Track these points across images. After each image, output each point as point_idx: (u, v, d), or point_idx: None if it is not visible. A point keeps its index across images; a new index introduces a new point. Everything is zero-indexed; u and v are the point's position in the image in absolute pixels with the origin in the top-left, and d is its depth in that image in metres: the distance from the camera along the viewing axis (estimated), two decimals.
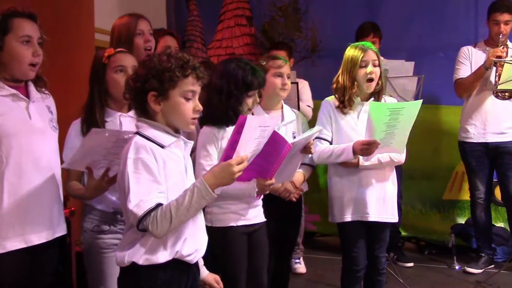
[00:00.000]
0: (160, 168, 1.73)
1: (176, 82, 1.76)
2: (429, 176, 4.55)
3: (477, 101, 3.97)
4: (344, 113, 2.86)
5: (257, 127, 1.93)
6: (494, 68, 3.72)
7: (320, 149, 2.87)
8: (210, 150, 2.42)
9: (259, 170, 2.27)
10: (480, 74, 3.85)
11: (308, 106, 4.01)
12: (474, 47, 4.03)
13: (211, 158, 2.41)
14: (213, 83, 2.44)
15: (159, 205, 1.69)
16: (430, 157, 4.49)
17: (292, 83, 3.09)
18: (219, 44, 5.26)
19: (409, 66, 3.80)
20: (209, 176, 1.76)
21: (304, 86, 4.10)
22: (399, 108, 2.57)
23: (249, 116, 1.85)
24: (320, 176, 4.62)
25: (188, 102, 1.79)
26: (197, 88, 1.82)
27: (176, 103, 1.77)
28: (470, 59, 3.98)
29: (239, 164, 1.79)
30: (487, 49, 3.94)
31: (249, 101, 2.47)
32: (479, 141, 3.96)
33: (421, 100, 2.60)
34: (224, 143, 2.40)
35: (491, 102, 3.92)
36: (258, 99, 2.53)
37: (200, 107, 1.82)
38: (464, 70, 3.99)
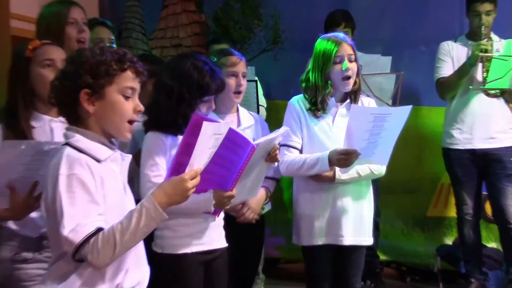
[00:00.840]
0: (98, 186, 1.72)
1: (113, 77, 1.77)
2: (411, 189, 4.55)
3: (462, 102, 3.98)
4: (317, 117, 2.87)
5: (212, 136, 1.94)
6: (480, 64, 3.75)
7: (289, 158, 2.85)
8: (157, 158, 2.40)
9: (216, 181, 2.26)
10: (465, 71, 3.87)
11: (261, 105, 3.98)
12: (455, 41, 4.07)
13: (158, 168, 2.39)
14: (162, 82, 2.45)
15: (99, 229, 1.68)
16: (411, 168, 4.49)
17: (249, 81, 3.08)
18: (162, 34, 5.16)
19: (386, 61, 3.83)
20: (159, 193, 1.76)
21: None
22: (385, 114, 2.58)
23: (205, 123, 1.87)
24: (284, 191, 4.54)
25: (127, 101, 1.80)
26: (137, 85, 1.83)
27: (113, 101, 1.78)
28: (452, 56, 4.01)
29: (193, 178, 1.80)
30: (469, 43, 3.98)
31: (203, 107, 2.47)
32: (466, 147, 3.97)
33: (411, 106, 2.61)
34: (173, 150, 2.36)
35: (477, 103, 3.94)
36: (213, 106, 2.53)
37: (141, 107, 1.83)
38: (445, 68, 4.01)
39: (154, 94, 2.49)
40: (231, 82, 2.85)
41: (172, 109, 2.42)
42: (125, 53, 1.82)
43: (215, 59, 2.86)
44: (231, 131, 2.10)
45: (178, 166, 1.89)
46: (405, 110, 2.61)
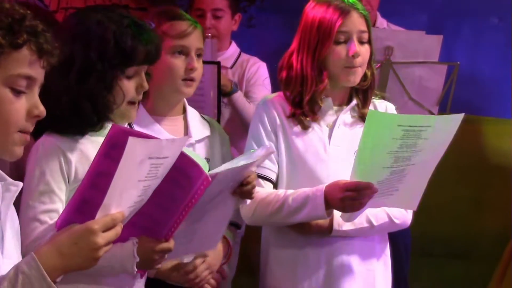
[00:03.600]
0: None
1: None
2: (462, 252, 4.61)
3: None
4: (304, 128, 2.89)
5: (145, 160, 1.90)
6: None
7: (259, 196, 2.86)
8: (51, 181, 2.43)
9: (143, 224, 2.27)
10: None
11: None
12: None
13: (52, 199, 2.43)
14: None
15: None
16: (465, 218, 4.58)
17: (206, 62, 3.16)
18: None
19: (434, 43, 3.85)
20: (49, 252, 1.77)
21: (258, 72, 4.26)
22: (422, 126, 2.55)
23: (131, 138, 1.82)
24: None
25: (19, 99, 1.78)
26: (38, 74, 1.82)
27: None
28: None
29: (108, 229, 1.81)
30: None
31: (129, 85, 2.48)
32: None
33: (462, 114, 2.56)
34: (81, 168, 2.43)
35: None
36: (146, 84, 2.52)
37: (42, 111, 1.82)
38: None
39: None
40: (178, 63, 2.88)
41: (74, 89, 2.42)
42: (23, 16, 1.78)
43: (153, 24, 2.88)
44: (181, 156, 2.13)
45: (83, 204, 1.90)
46: (454, 121, 2.59)
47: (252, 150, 2.68)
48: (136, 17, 2.64)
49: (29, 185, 2.44)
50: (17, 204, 2.24)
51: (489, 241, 4.55)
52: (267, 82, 4.29)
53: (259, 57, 4.34)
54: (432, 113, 3.79)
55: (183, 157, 2.18)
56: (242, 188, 2.60)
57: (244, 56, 4.31)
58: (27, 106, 1.80)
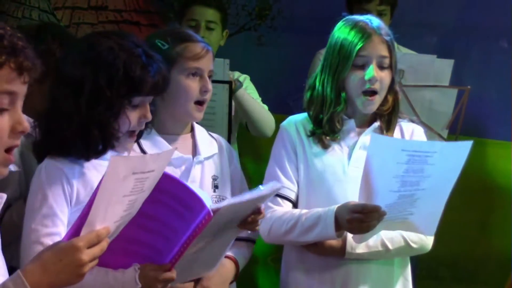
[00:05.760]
0: None
1: None
2: (468, 275, 4.61)
3: None
4: (325, 146, 2.93)
5: (129, 176, 1.92)
6: None
7: (276, 214, 2.91)
8: (54, 205, 2.44)
9: (146, 252, 2.31)
10: None
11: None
12: None
13: (55, 223, 2.44)
14: (66, 72, 2.48)
15: None
16: (470, 240, 4.58)
17: (216, 82, 3.17)
18: None
19: (445, 67, 3.88)
20: (35, 269, 1.78)
21: (245, 83, 4.23)
22: (426, 152, 2.58)
23: (114, 158, 1.88)
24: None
25: (1, 116, 1.77)
26: (20, 89, 1.79)
27: None
28: None
29: (92, 245, 1.82)
30: None
31: (133, 115, 2.52)
32: None
33: (471, 142, 2.58)
34: (83, 191, 2.48)
35: None
36: (149, 115, 2.56)
37: (25, 126, 1.80)
38: None
39: (51, 92, 2.51)
40: (193, 84, 2.87)
41: (82, 114, 2.43)
42: (1, 35, 1.76)
43: (166, 45, 2.87)
44: (179, 185, 2.15)
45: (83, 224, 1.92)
46: (463, 148, 2.60)
47: (261, 187, 2.66)
48: (148, 44, 2.68)
49: (32, 208, 2.47)
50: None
51: (495, 264, 4.52)
52: (253, 88, 4.29)
53: (268, 76, 4.41)
54: (441, 137, 3.82)
55: (186, 190, 2.22)
56: (247, 222, 2.62)
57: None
58: (10, 123, 1.80)
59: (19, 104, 1.80)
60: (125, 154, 2.65)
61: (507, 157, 4.45)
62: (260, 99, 4.22)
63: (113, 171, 1.86)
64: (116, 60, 2.47)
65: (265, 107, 4.19)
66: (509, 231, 4.30)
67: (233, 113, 3.99)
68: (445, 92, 3.88)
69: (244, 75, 4.28)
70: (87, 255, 1.80)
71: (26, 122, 1.80)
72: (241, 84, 4.04)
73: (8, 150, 1.80)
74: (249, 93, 4.17)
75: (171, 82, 2.74)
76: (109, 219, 1.92)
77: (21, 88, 1.79)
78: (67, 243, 1.81)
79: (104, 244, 1.86)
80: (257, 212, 2.63)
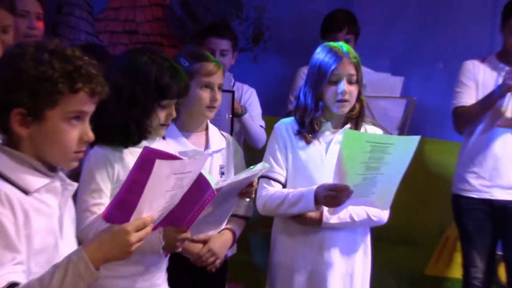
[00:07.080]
0: (20, 225, 1.81)
1: (58, 99, 1.83)
2: (408, 240, 4.95)
3: (483, 140, 4.30)
4: (307, 142, 3.20)
5: (170, 176, 2.02)
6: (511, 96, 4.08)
7: (269, 193, 3.18)
8: (100, 182, 2.66)
9: (166, 217, 2.40)
10: (490, 102, 4.16)
11: (261, 126, 4.45)
12: (482, 62, 4.36)
13: (101, 195, 2.64)
14: (110, 80, 2.35)
15: (13, 285, 1.77)
16: (411, 213, 4.85)
17: (223, 91, 3.34)
18: (114, 15, 5.44)
19: (397, 82, 4.26)
20: (92, 246, 1.87)
21: (252, 96, 4.53)
22: (386, 143, 2.82)
23: (158, 161, 1.91)
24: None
25: (73, 129, 1.88)
26: (90, 108, 1.92)
27: (54, 129, 1.85)
28: (476, 79, 4.31)
29: (139, 230, 1.92)
30: (500, 66, 4.30)
31: (162, 114, 2.72)
32: (482, 197, 4.30)
33: (419, 137, 2.87)
34: (122, 172, 2.66)
35: (501, 144, 4.26)
36: (174, 113, 2.77)
37: (91, 136, 1.92)
38: (467, 95, 4.30)
39: None
40: (205, 95, 3.13)
41: (122, 113, 2.65)
42: (79, 65, 1.84)
43: (186, 63, 3.11)
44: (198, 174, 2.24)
45: (121, 204, 2.02)
46: (412, 141, 2.85)
47: (251, 167, 2.91)
48: (173, 60, 2.83)
49: (83, 185, 2.65)
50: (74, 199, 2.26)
51: (429, 232, 4.97)
52: (257, 102, 4.54)
53: (261, 87, 4.65)
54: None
55: (199, 175, 2.35)
56: (243, 192, 2.94)
57: (238, 83, 4.49)
58: (79, 134, 1.90)
59: (87, 119, 1.91)
60: (156, 140, 2.80)
61: (441, 151, 4.88)
62: (261, 112, 4.52)
63: (157, 172, 1.92)
64: (149, 72, 2.66)
65: (263, 123, 4.45)
66: (441, 207, 4.72)
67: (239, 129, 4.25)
68: (396, 102, 4.21)
69: (252, 89, 4.52)
70: (135, 237, 1.90)
71: (91, 132, 1.92)
72: (246, 110, 4.27)
73: (77, 153, 1.94)
74: (253, 107, 4.45)
75: (190, 91, 2.93)
76: (153, 209, 2.01)
77: (91, 108, 1.92)
78: (119, 227, 1.90)
79: (148, 229, 1.95)
80: (250, 185, 2.93)
